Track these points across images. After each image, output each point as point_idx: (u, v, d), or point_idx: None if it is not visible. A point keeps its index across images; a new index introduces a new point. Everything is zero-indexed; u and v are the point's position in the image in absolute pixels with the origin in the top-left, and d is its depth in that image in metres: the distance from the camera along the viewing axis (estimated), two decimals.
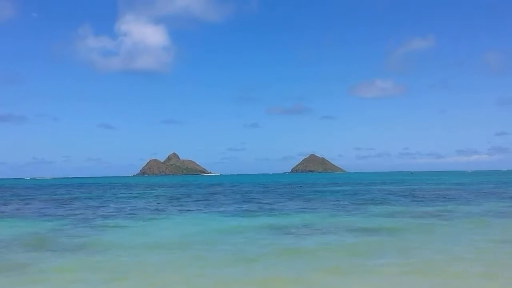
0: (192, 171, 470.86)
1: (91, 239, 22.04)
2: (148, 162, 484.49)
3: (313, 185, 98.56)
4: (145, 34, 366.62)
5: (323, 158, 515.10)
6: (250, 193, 66.42)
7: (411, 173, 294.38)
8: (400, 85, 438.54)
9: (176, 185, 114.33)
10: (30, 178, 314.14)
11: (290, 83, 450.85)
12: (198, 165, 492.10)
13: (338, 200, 47.29)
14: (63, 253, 18.34)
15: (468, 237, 20.92)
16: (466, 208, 35.93)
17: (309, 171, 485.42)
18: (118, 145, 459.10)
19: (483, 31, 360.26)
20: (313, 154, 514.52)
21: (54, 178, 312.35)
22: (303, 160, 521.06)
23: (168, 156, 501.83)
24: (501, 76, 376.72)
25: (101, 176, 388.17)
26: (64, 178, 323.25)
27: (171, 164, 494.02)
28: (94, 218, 31.51)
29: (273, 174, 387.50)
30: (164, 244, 20.37)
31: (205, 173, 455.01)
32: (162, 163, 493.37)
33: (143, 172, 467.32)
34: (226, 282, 13.71)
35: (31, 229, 26.39)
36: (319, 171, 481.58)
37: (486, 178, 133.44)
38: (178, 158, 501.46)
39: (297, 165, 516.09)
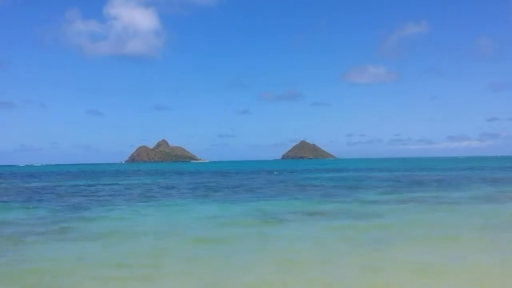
0: (181, 157, 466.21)
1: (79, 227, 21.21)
2: (137, 149, 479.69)
3: (304, 171, 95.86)
4: (135, 18, 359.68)
5: (314, 144, 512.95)
6: (239, 180, 63.48)
7: (403, 159, 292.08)
8: (392, 71, 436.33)
9: (157, 172, 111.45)
10: (25, 165, 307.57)
11: (282, 69, 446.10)
12: (187, 151, 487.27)
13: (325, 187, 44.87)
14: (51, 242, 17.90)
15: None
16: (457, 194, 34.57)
17: (300, 157, 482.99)
18: (107, 132, 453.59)
19: (476, 17, 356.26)
20: (304, 141, 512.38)
21: (46, 165, 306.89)
22: (294, 146, 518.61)
23: (158, 143, 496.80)
24: (493, 62, 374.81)
25: (90, 163, 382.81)
26: (57, 165, 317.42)
27: (160, 151, 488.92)
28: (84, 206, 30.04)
29: (263, 160, 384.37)
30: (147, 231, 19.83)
31: (194, 159, 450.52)
32: (151, 149, 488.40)
33: (132, 159, 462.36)
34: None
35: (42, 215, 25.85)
36: (310, 157, 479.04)
37: (483, 164, 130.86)
38: (168, 144, 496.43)
39: (287, 152, 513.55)
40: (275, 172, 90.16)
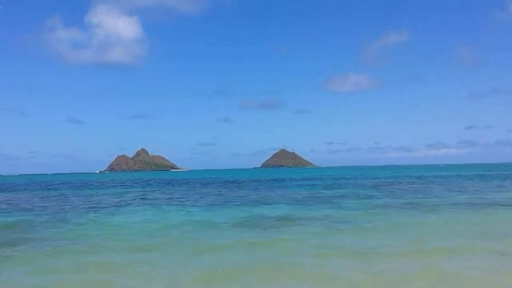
0: (161, 166, 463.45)
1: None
2: (116, 158, 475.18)
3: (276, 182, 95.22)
4: (118, 26, 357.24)
5: (293, 153, 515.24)
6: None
7: (385, 167, 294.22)
8: (373, 79, 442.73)
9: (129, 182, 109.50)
10: (12, 175, 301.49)
11: (264, 77, 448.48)
12: (167, 160, 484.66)
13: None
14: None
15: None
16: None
17: (280, 166, 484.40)
18: (86, 141, 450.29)
19: (456, 26, 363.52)
20: (283, 149, 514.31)
21: (20, 175, 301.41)
22: (273, 155, 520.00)
23: (137, 152, 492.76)
24: (472, 70, 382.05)
25: (67, 172, 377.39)
26: (34, 174, 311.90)
27: (140, 160, 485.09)
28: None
29: (243, 169, 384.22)
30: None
31: (174, 168, 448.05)
32: (131, 159, 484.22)
33: (111, 168, 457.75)
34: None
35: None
36: (290, 166, 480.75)
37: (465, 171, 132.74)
38: (147, 153, 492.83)
39: (267, 160, 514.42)
40: (232, 180, 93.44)
